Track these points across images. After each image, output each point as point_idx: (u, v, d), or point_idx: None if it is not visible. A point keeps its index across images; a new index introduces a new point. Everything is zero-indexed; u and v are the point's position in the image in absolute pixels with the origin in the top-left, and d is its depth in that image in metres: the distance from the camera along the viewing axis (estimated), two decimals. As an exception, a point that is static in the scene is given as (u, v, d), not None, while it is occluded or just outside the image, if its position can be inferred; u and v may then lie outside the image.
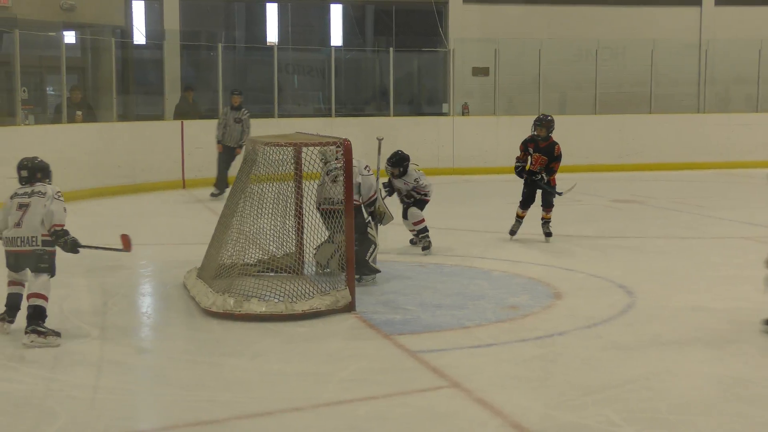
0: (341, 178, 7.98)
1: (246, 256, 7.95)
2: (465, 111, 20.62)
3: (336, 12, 22.85)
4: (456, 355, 6.26)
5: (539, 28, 21.59)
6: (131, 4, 20.41)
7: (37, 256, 6.60)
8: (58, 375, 5.83)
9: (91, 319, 7.20)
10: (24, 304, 6.63)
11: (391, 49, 19.68)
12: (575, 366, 6.01)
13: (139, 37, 20.77)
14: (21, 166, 6.85)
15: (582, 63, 21.06)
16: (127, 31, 19.95)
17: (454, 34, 21.46)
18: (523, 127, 19.70)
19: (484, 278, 8.68)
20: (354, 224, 7.58)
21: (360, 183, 8.41)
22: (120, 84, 17.62)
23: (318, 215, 8.18)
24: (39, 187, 6.74)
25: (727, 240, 10.77)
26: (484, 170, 19.22)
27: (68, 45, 17.16)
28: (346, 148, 7.46)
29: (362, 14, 23.31)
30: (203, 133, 16.16)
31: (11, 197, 6.74)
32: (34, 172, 6.85)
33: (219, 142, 15.16)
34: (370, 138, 17.55)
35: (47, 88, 17.97)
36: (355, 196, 7.90)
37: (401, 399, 5.38)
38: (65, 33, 16.96)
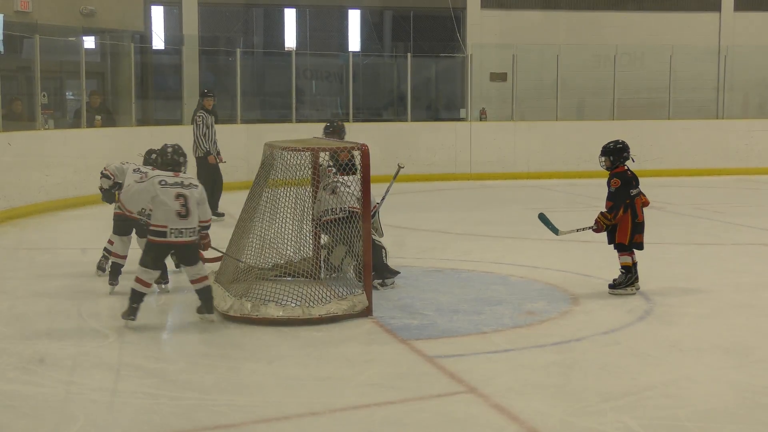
0: (340, 188, 8.02)
1: (263, 260, 7.96)
2: (483, 116, 20.61)
3: (354, 17, 22.88)
4: (473, 361, 6.24)
5: (557, 33, 21.56)
6: (150, 9, 20.51)
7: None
8: (76, 378, 5.86)
9: (110, 323, 7.22)
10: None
11: (408, 54, 19.69)
12: (593, 372, 5.99)
13: (158, 42, 20.87)
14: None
15: (600, 69, 21.01)
16: (146, 37, 20.04)
17: (472, 39, 21.46)
18: (541, 133, 19.88)
19: (502, 283, 8.66)
20: (357, 232, 7.61)
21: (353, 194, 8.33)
22: (139, 89, 17.71)
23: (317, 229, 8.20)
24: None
25: (747, 246, 10.71)
26: (502, 176, 19.19)
27: (88, 50, 17.25)
28: (364, 152, 7.47)
29: (380, 20, 23.33)
30: (222, 138, 16.17)
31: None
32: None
33: (209, 152, 12.94)
34: (388, 143, 17.75)
35: (67, 93, 18.07)
36: (356, 205, 7.91)
37: (418, 404, 5.37)
38: (85, 38, 17.06)
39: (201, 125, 12.94)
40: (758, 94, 22.14)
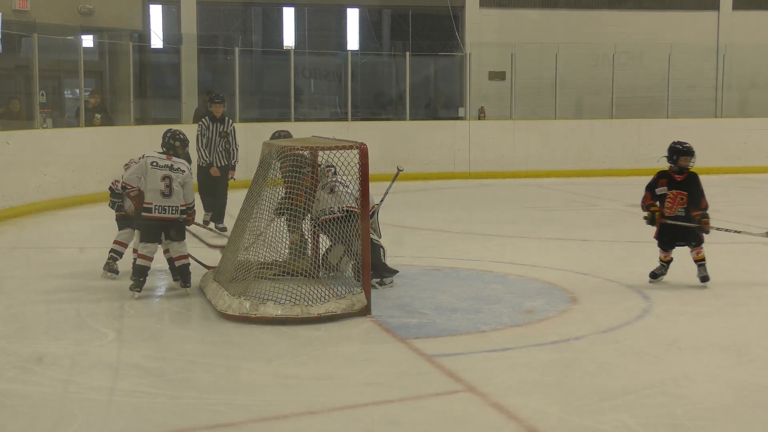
0: (339, 188, 8.05)
1: (262, 259, 7.96)
2: (481, 115, 20.62)
3: (353, 16, 22.88)
4: (471, 360, 6.24)
5: (556, 32, 21.57)
6: (149, 8, 20.51)
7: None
8: (75, 377, 5.86)
9: (108, 322, 7.22)
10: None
11: (407, 53, 19.70)
12: (592, 371, 5.99)
13: (157, 41, 20.86)
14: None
15: (599, 67, 21.04)
16: (144, 35, 20.04)
17: (470, 38, 21.46)
18: (539, 132, 19.89)
19: (500, 282, 8.66)
20: (355, 231, 7.61)
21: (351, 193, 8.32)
22: (137, 88, 17.69)
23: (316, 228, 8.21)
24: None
25: (745, 245, 10.70)
26: (501, 174, 19.20)
27: (86, 49, 17.26)
28: (362, 152, 7.47)
29: (379, 18, 23.33)
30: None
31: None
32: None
33: (210, 164, 11.83)
34: (387, 142, 17.76)
35: (65, 92, 18.07)
36: (354, 204, 7.91)
37: (416, 403, 5.38)
38: (83, 37, 17.07)
39: (200, 137, 11.77)
40: (756, 93, 22.14)
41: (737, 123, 20.93)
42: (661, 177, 8.57)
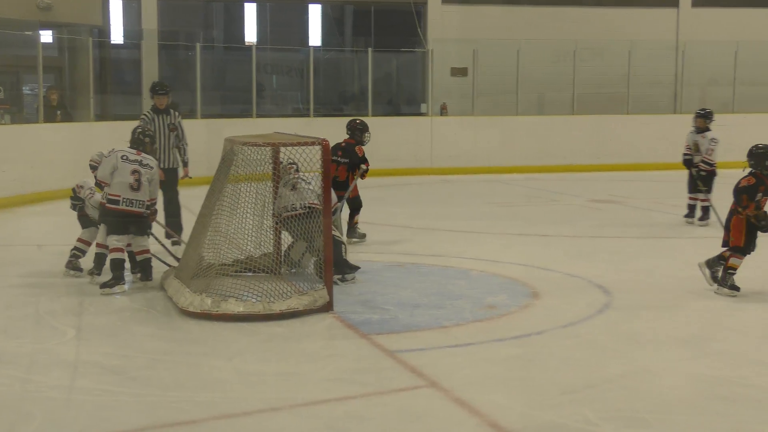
0: (301, 184, 8.05)
1: (224, 256, 7.92)
2: (443, 111, 20.67)
3: (315, 12, 22.84)
4: (434, 355, 6.26)
5: (518, 28, 21.66)
6: (109, 3, 20.34)
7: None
8: (33, 376, 5.79)
9: (67, 320, 7.15)
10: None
11: (369, 49, 19.69)
12: (553, 365, 6.02)
13: (117, 36, 20.68)
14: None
15: (560, 64, 21.14)
16: (104, 31, 19.87)
17: (432, 34, 21.51)
18: (501, 128, 19.97)
19: (463, 278, 8.69)
20: (317, 228, 7.61)
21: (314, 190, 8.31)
22: (97, 84, 17.54)
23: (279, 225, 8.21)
24: None
25: (704, 240, 10.82)
26: (463, 170, 19.26)
27: (45, 44, 17.06)
28: (324, 148, 7.46)
29: (341, 14, 23.31)
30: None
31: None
32: None
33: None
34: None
35: (24, 88, 17.87)
36: (316, 201, 7.92)
37: (379, 399, 5.37)
38: (42, 32, 16.85)
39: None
40: (715, 90, 22.36)
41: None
42: (760, 183, 7.97)
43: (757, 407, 5.26)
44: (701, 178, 11.91)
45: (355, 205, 10.62)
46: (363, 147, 10.58)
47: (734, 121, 21.01)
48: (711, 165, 11.91)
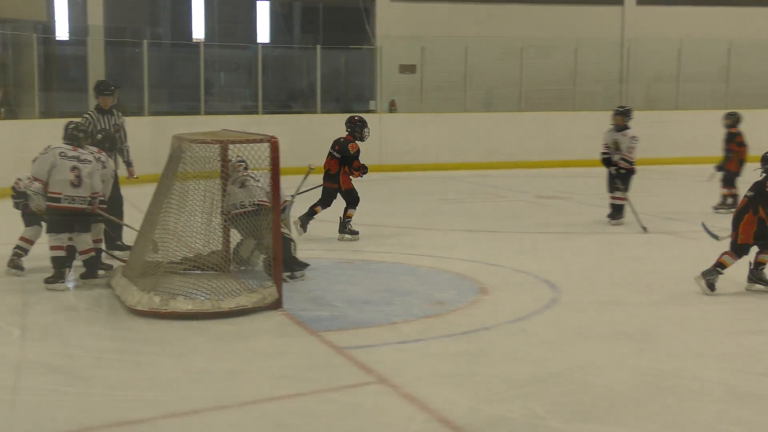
0: (250, 182, 8.05)
1: (172, 253, 7.88)
2: (392, 108, 20.70)
3: (263, 9, 22.75)
4: (383, 351, 6.28)
5: (466, 26, 21.74)
6: (53, -1, 20.07)
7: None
8: (-22, 376, 5.72)
9: (12, 319, 7.07)
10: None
11: (318, 46, 19.66)
12: (501, 360, 6.08)
13: (63, 32, 20.42)
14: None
15: (508, 61, 21.27)
16: (49, 27, 19.59)
17: (381, 31, 21.51)
18: (450, 125, 20.05)
19: (411, 274, 8.72)
20: (266, 225, 7.60)
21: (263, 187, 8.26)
22: (42, 80, 17.30)
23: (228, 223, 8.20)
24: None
25: (649, 235, 10.97)
26: (411, 167, 19.29)
27: (-12, 41, 16.82)
28: (273, 145, 7.44)
29: (289, 11, 23.25)
30: (128, 131, 15.91)
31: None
32: None
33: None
34: (298, 135, 17.68)
35: (-34, 85, 17.59)
36: (265, 198, 7.91)
37: (328, 395, 5.39)
38: (-15, 28, 16.62)
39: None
40: (660, 87, 22.66)
41: (642, 116, 21.17)
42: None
43: (699, 399, 5.36)
44: (620, 177, 11.73)
45: (351, 199, 10.71)
46: (358, 144, 10.75)
47: (679, 117, 21.38)
48: (630, 163, 11.75)
